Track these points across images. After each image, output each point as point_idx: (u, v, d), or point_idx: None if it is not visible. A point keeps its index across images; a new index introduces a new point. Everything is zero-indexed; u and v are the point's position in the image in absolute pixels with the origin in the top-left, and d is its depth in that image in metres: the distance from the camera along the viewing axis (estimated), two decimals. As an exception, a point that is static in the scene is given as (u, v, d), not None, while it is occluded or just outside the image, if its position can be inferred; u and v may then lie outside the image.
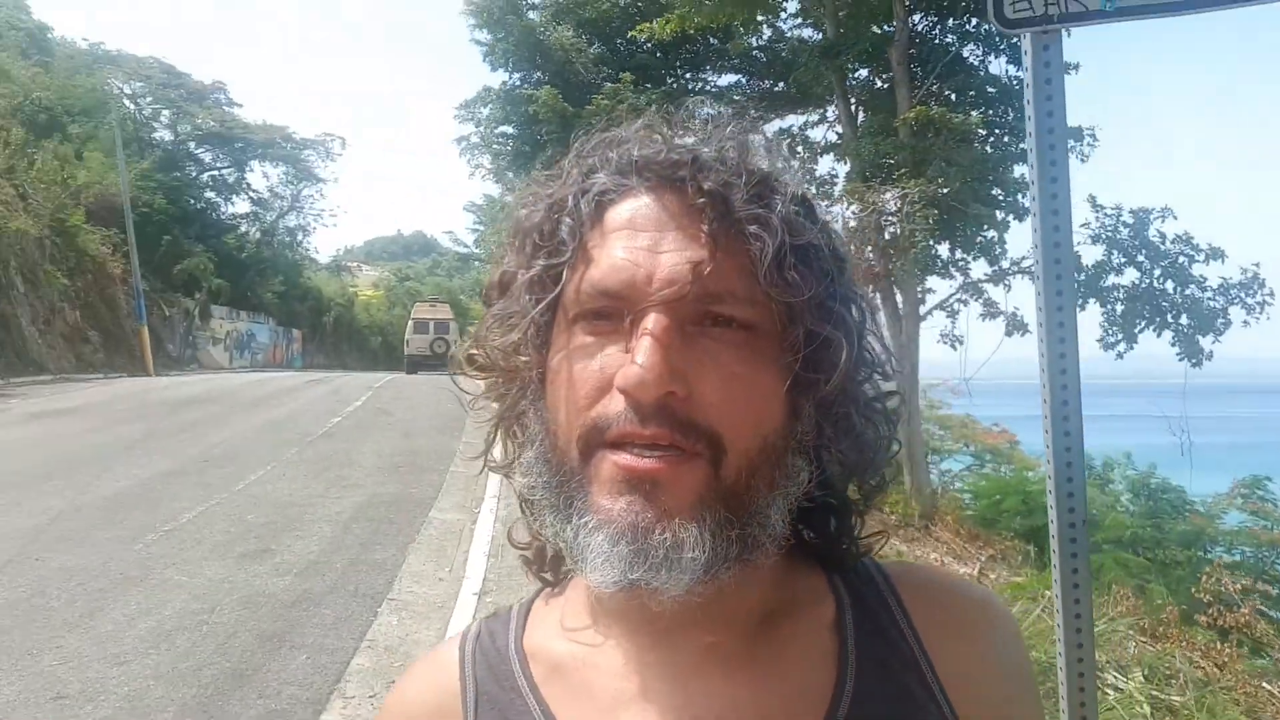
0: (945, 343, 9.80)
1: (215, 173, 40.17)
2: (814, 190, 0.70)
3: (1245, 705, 4.58)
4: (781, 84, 15.29)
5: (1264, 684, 5.09)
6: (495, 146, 16.66)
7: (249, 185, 40.98)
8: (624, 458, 0.61)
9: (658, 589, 0.60)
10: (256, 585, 5.27)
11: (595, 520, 0.61)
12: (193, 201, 37.45)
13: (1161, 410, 9.84)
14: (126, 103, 36.58)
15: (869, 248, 8.25)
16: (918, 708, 0.65)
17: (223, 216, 39.69)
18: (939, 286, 9.59)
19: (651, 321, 0.60)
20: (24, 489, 7.80)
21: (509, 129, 15.56)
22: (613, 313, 0.63)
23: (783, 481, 0.64)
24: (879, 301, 9.21)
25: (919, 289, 9.64)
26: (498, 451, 0.74)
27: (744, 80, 16.01)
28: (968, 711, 0.66)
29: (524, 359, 0.68)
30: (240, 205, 40.78)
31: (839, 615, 0.70)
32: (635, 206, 0.65)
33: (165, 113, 38.37)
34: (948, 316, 9.69)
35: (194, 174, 39.12)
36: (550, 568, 0.75)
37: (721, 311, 0.62)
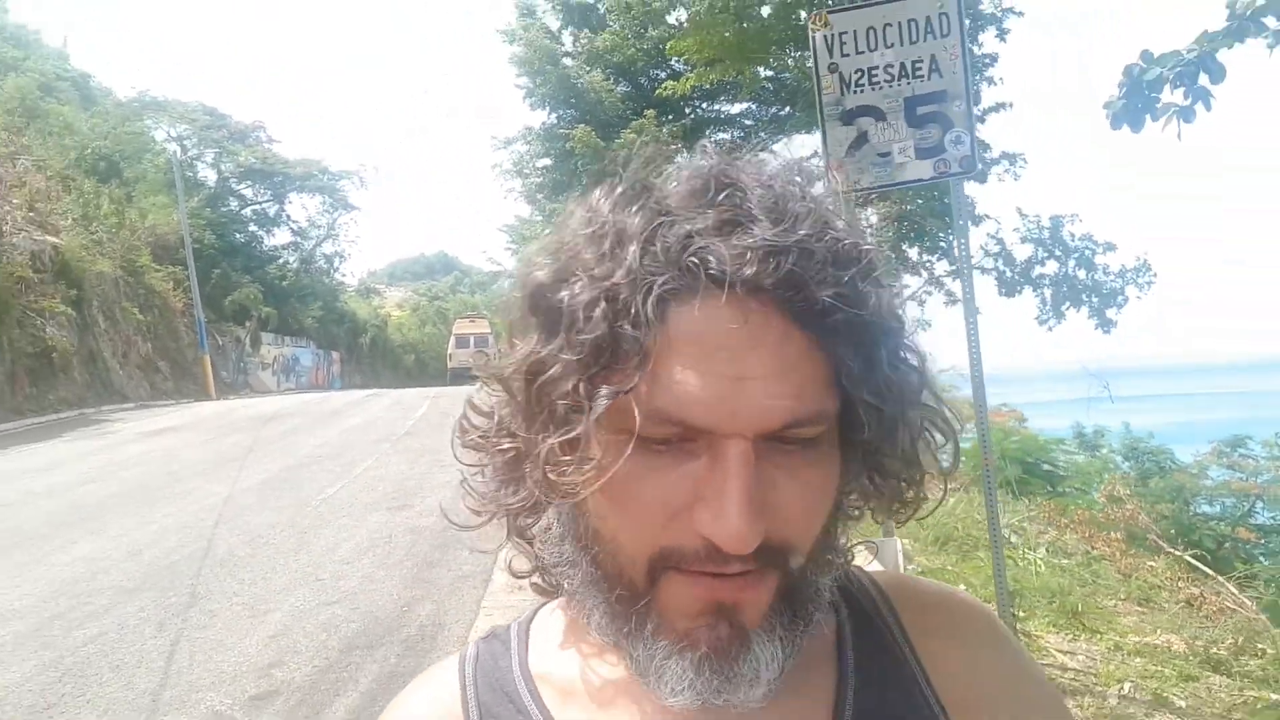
0: (918, 327, 11.95)
1: (257, 206, 41.99)
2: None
3: (1120, 566, 6.49)
4: (788, 108, 17.21)
5: (1147, 561, 6.98)
6: (531, 179, 18.67)
7: (289, 216, 42.75)
8: (701, 588, 0.58)
9: (736, 705, 0.60)
10: (411, 523, 7.24)
11: (672, 646, 0.59)
12: (238, 235, 39.33)
13: (1103, 388, 11.84)
14: (173, 146, 38.66)
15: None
16: (914, 713, 0.66)
17: (265, 248, 41.45)
18: (911, 282, 11.74)
19: (735, 461, 0.55)
20: (184, 483, 9.77)
21: (547, 161, 17.60)
22: (682, 437, 0.56)
23: (832, 555, 0.65)
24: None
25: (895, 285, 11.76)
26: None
27: (754, 107, 17.91)
28: (961, 715, 0.66)
29: (583, 481, 0.58)
30: (281, 236, 42.47)
31: (839, 627, 0.70)
32: (707, 316, 0.55)
33: (209, 153, 40.28)
34: (917, 305, 11.85)
35: (237, 209, 40.86)
36: (556, 588, 0.72)
37: (803, 435, 0.57)
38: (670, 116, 16.57)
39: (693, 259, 0.56)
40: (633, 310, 0.56)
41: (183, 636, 4.89)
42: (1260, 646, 4.51)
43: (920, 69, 3.30)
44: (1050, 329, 11.65)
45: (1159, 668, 4.04)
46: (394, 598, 5.38)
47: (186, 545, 6.87)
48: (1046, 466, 12.06)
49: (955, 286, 12.46)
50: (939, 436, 0.67)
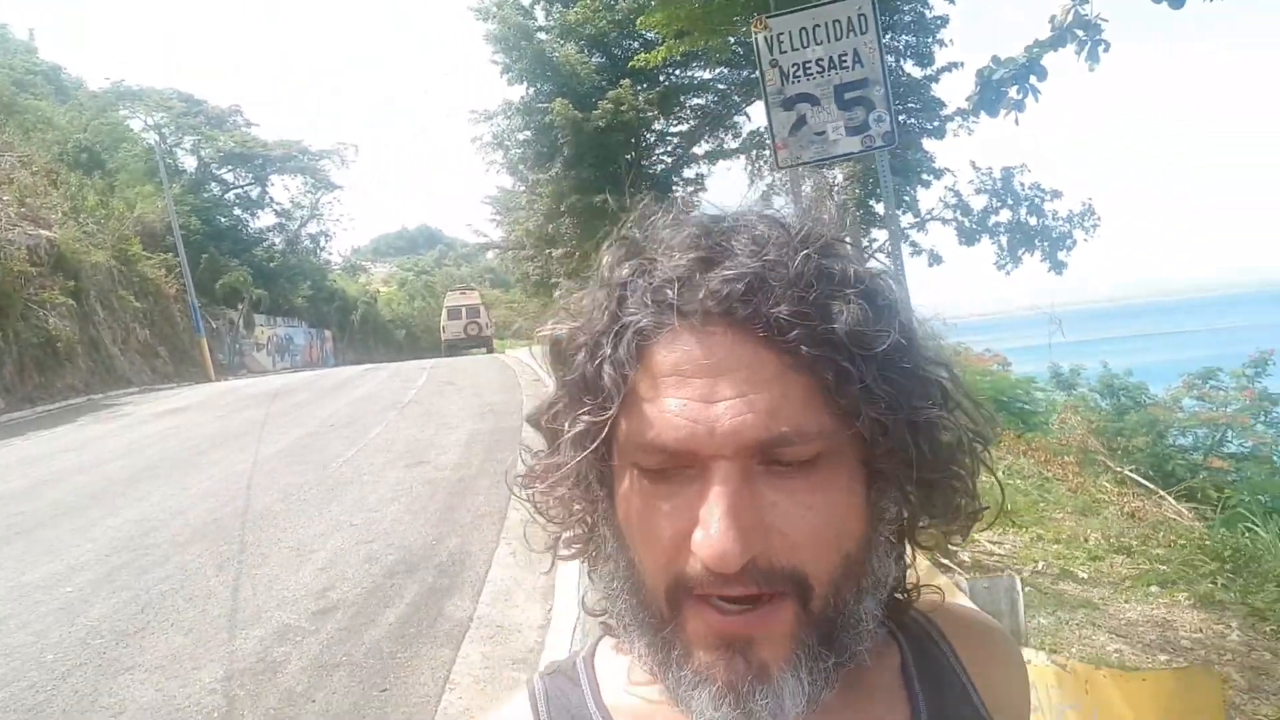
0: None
1: (239, 190, 42.09)
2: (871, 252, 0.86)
3: (1069, 485, 7.27)
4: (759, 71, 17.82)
5: (1098, 480, 7.78)
6: (513, 152, 19.23)
7: (272, 199, 42.89)
8: (713, 616, 0.60)
9: None
10: (428, 476, 7.98)
11: (695, 677, 0.62)
12: (222, 219, 39.47)
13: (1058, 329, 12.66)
14: (152, 134, 38.75)
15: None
16: None
17: (251, 230, 41.58)
18: (878, 235, 12.72)
19: (718, 481, 0.59)
20: (207, 455, 10.46)
21: (527, 134, 18.18)
22: (676, 462, 0.61)
23: (871, 585, 0.65)
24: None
25: (864, 239, 12.62)
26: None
27: (726, 71, 18.47)
28: None
29: (577, 508, 0.70)
30: (265, 218, 42.67)
31: (903, 663, 0.74)
32: (680, 349, 0.61)
33: (188, 139, 40.35)
34: (886, 255, 12.78)
35: (220, 193, 40.94)
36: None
37: (789, 454, 0.59)
38: (645, 85, 17.15)
39: (662, 298, 0.61)
40: (611, 351, 0.62)
41: (242, 574, 5.63)
42: (1168, 536, 5.28)
43: (845, 61, 4.00)
44: (1008, 273, 12.71)
45: (1071, 552, 4.81)
46: (423, 534, 6.15)
47: (225, 506, 7.59)
48: (1021, 405, 12.86)
49: (919, 237, 13.36)
50: (972, 443, 0.69)
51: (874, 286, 0.64)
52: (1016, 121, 3.49)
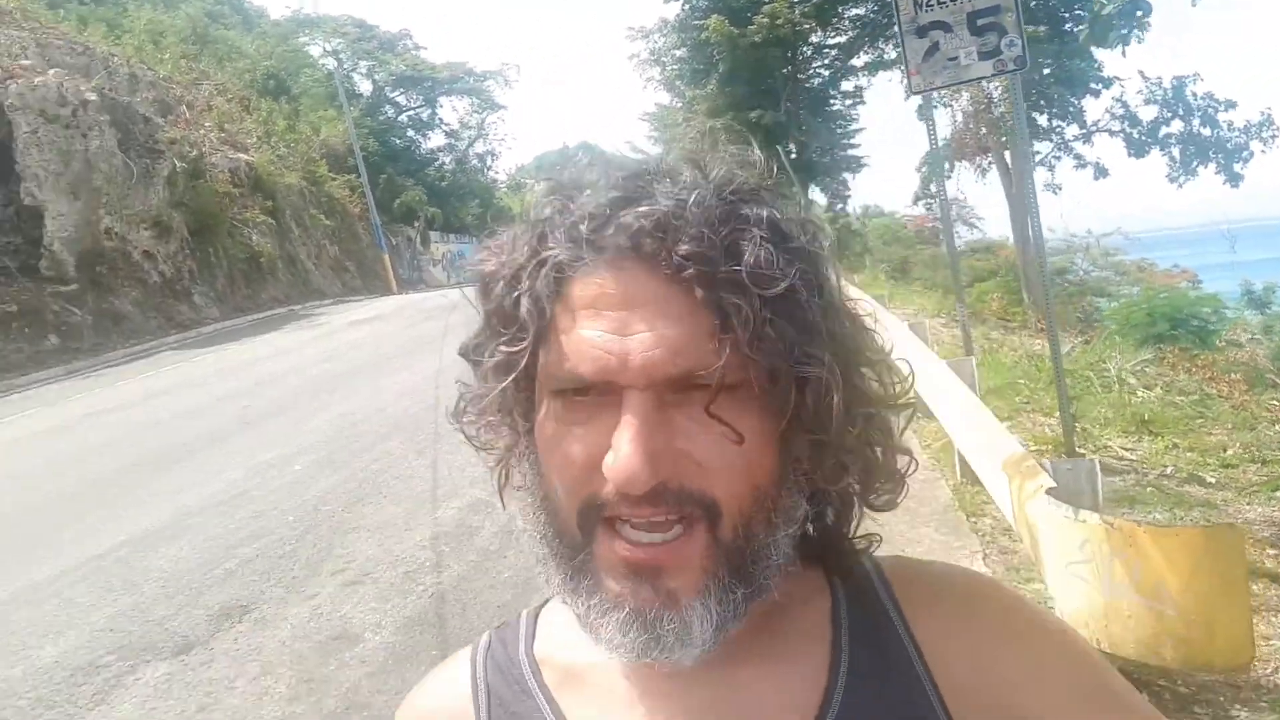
0: (1049, 190, 12.70)
1: (411, 112, 43.50)
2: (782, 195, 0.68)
3: (1234, 402, 7.19)
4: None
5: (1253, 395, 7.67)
6: (669, 69, 19.49)
7: (441, 120, 44.15)
8: (623, 546, 0.62)
9: (671, 662, 0.64)
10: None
11: (603, 604, 0.64)
12: (397, 141, 41.12)
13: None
14: (330, 60, 40.69)
15: (982, 127, 11.01)
16: (907, 701, 0.67)
17: (423, 151, 43.13)
18: (1040, 148, 12.41)
19: (630, 408, 0.60)
20: (398, 360, 11.60)
21: (683, 51, 18.43)
22: (591, 390, 0.62)
23: (781, 521, 0.66)
24: (988, 164, 12.43)
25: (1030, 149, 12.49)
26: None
27: (886, -17, 18.04)
28: (959, 700, 0.67)
29: (503, 436, 0.72)
30: (436, 139, 44.10)
31: (834, 610, 0.71)
32: (594, 283, 0.62)
33: (363, 64, 41.98)
34: (1048, 170, 12.59)
35: (394, 116, 42.49)
36: None
37: (702, 383, 0.61)
38: (801, 1, 16.99)
39: (578, 234, 0.64)
40: (530, 284, 0.65)
41: (439, 459, 6.55)
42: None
43: (978, -14, 4.25)
44: (1180, 185, 12.30)
45: (1205, 460, 4.99)
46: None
47: (417, 404, 8.61)
48: (1199, 322, 12.51)
49: (1084, 150, 13.03)
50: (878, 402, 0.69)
51: (788, 233, 0.65)
52: (1124, 54, 3.73)
